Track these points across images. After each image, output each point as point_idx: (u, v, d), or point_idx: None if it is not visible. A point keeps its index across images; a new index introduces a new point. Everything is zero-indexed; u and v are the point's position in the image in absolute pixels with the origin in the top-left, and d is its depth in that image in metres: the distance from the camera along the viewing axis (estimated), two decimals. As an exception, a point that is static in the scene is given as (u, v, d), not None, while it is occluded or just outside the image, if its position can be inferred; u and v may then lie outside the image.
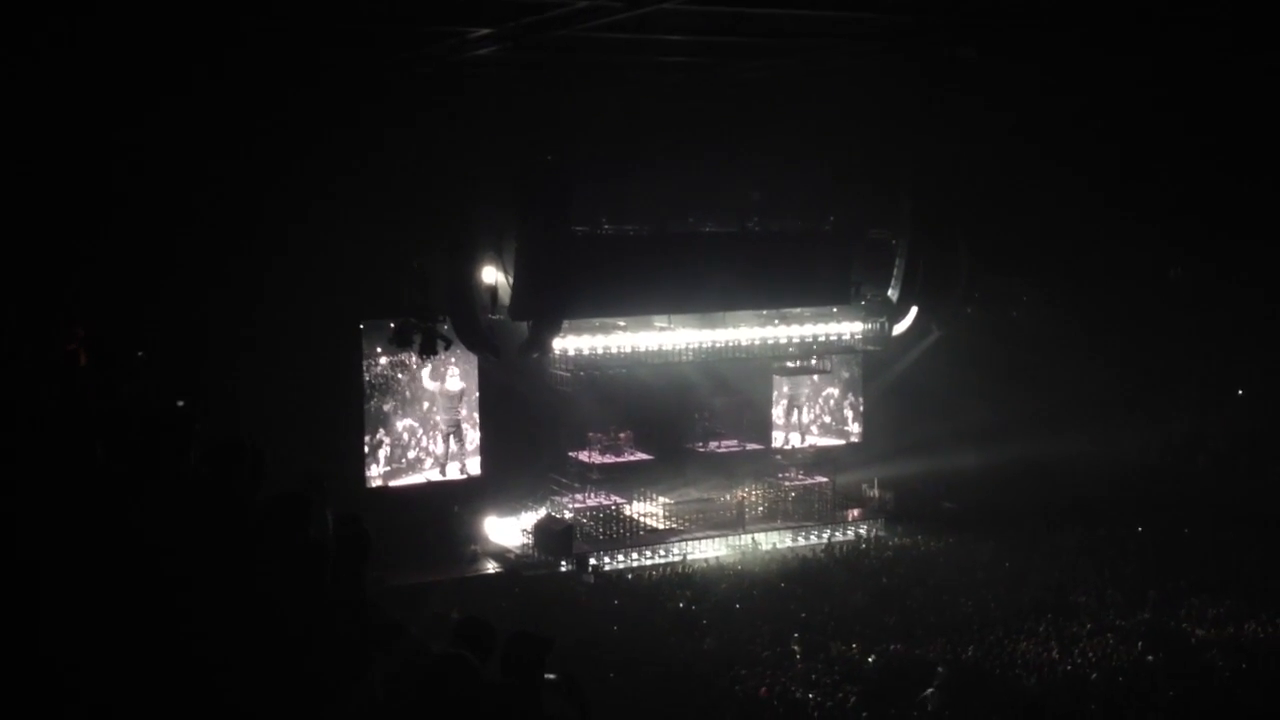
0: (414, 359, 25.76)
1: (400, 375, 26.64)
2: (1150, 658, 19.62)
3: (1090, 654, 19.78)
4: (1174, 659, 19.71)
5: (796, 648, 20.27)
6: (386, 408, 26.63)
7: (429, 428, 27.12)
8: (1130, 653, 19.94)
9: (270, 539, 4.80)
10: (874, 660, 19.62)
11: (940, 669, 18.16)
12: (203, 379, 18.80)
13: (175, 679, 4.04)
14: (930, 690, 17.65)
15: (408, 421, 26.84)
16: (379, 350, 26.10)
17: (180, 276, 21.98)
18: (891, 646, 20.24)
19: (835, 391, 32.35)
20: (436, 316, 24.85)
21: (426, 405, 27.11)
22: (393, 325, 24.73)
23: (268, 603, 4.36)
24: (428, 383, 26.97)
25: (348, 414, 25.78)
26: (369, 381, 26.35)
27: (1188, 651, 20.15)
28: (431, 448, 27.16)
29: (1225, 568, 24.36)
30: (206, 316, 22.36)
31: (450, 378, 27.32)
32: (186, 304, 22.00)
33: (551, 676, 4.62)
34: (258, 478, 5.22)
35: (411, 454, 26.89)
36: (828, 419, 32.37)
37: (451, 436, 27.30)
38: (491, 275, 25.76)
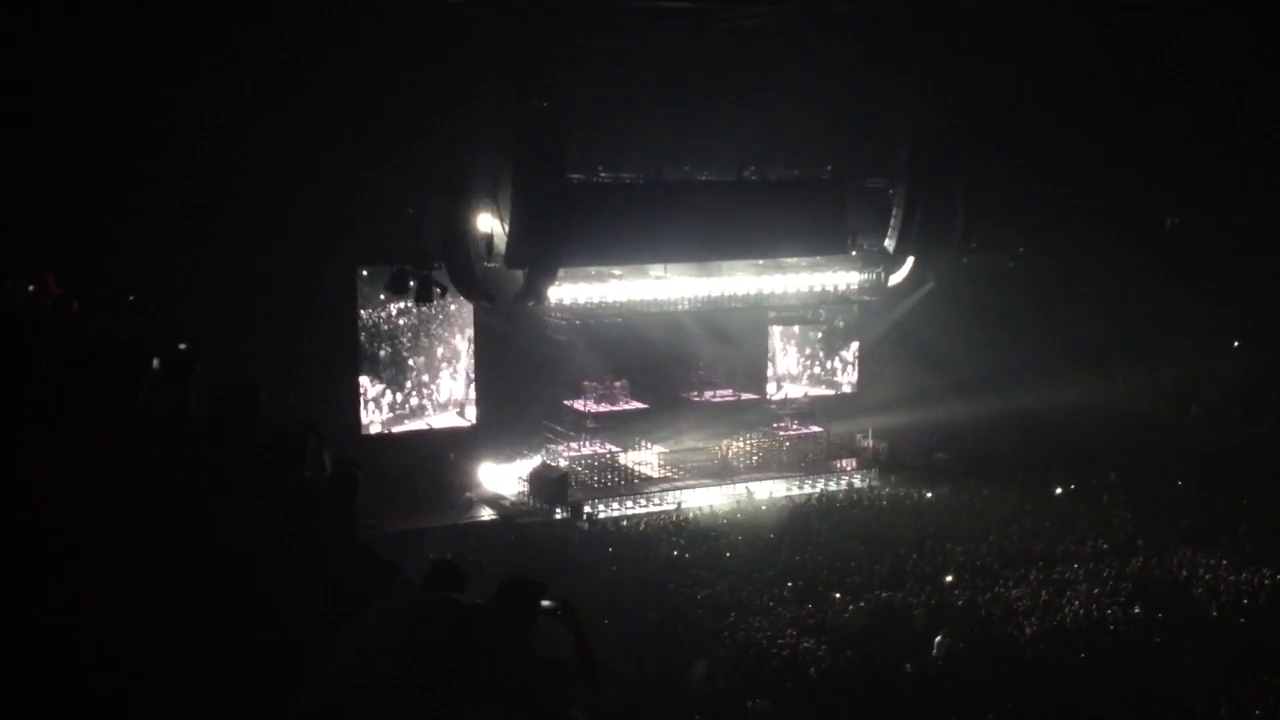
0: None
1: (402, 321, 26.58)
2: (1137, 609, 19.81)
3: (1078, 603, 19.97)
4: (1163, 607, 19.91)
5: (787, 595, 20.46)
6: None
7: (435, 374, 27.13)
8: (1119, 600, 20.15)
9: (266, 478, 4.85)
10: (864, 606, 19.81)
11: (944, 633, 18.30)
12: (199, 323, 18.73)
13: (169, 618, 4.08)
14: (940, 639, 17.88)
15: (414, 367, 26.89)
16: (382, 297, 26.03)
17: (178, 221, 21.90)
18: (882, 594, 20.43)
19: (822, 341, 32.32)
20: (432, 263, 24.83)
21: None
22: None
23: (264, 541, 4.41)
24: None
25: (344, 360, 25.79)
26: (373, 327, 26.33)
27: (1177, 600, 20.34)
28: (436, 396, 27.19)
29: (1216, 518, 24.52)
30: (202, 262, 22.30)
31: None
32: (184, 248, 21.92)
33: (547, 603, 4.68)
34: (257, 418, 5.26)
35: (414, 400, 26.93)
36: (818, 370, 32.42)
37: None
38: (487, 223, 25.68)
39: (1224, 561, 22.02)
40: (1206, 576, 21.37)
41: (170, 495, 4.55)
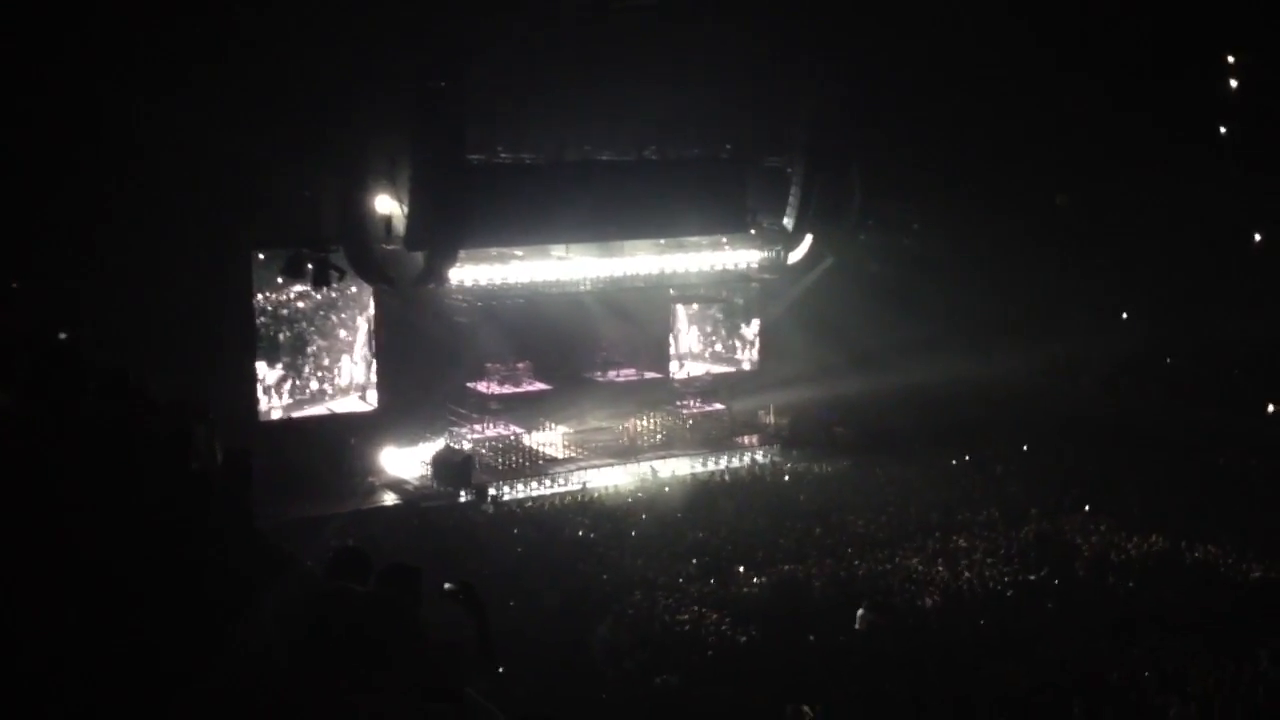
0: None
1: (301, 304, 26.13)
2: (1033, 576, 20.33)
3: (973, 571, 20.45)
4: (1056, 573, 20.47)
5: (693, 571, 20.64)
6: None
7: (336, 357, 26.76)
8: (1012, 568, 20.67)
9: (152, 471, 4.79)
10: (766, 581, 20.07)
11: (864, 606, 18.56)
12: (86, 310, 18.33)
13: (61, 610, 4.03)
14: (861, 612, 18.15)
15: (315, 351, 26.48)
16: (279, 281, 25.50)
17: (68, 204, 21.32)
18: (785, 568, 20.72)
19: (720, 319, 32.53)
20: (330, 246, 24.47)
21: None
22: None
23: (151, 534, 4.36)
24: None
25: (241, 345, 25.31)
26: (270, 312, 25.84)
27: (1069, 566, 20.92)
28: (338, 380, 26.82)
29: (1106, 486, 25.22)
30: (92, 246, 21.75)
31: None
32: (74, 233, 21.36)
33: (449, 586, 4.70)
34: (140, 410, 5.18)
35: (314, 385, 26.54)
36: (719, 348, 32.64)
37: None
38: (386, 204, 25.40)
39: (1114, 528, 22.70)
40: (1097, 542, 22.03)
41: (52, 491, 4.48)
